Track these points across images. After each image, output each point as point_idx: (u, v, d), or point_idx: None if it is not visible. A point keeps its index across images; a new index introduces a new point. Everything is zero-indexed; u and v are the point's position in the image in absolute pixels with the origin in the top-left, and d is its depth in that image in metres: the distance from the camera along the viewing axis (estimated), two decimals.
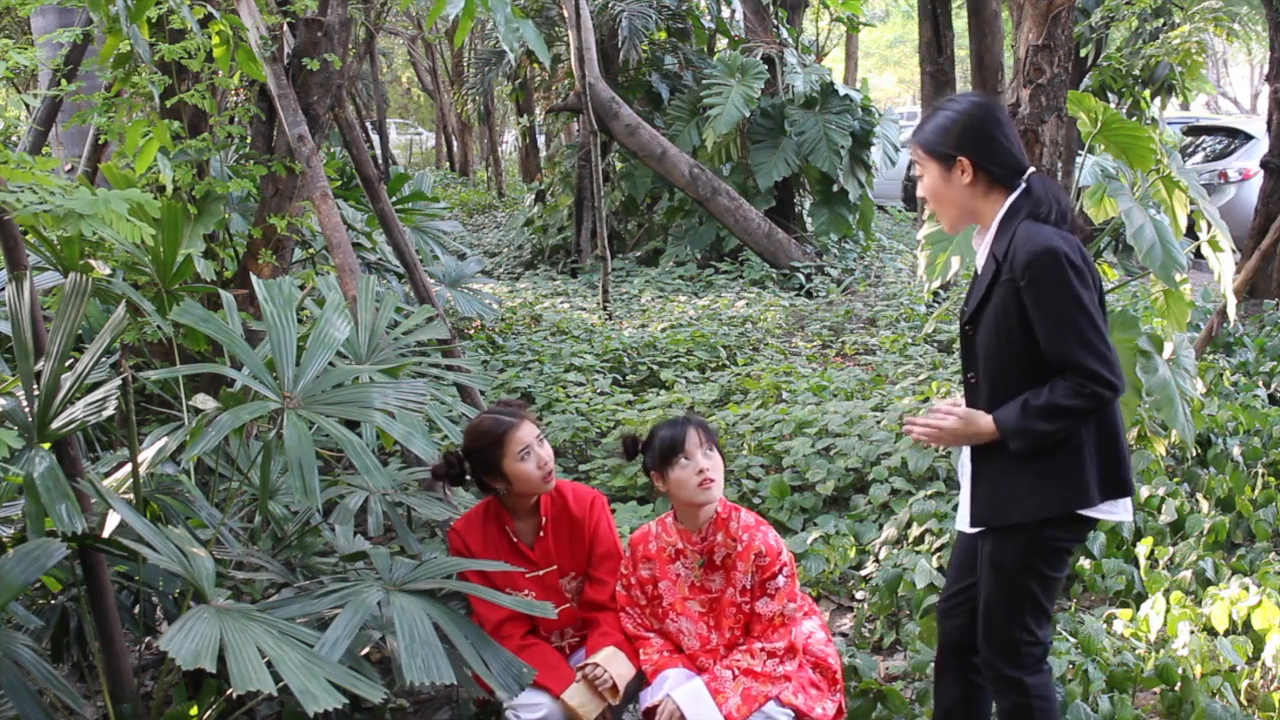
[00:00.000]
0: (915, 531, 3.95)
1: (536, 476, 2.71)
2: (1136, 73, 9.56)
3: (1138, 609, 3.44)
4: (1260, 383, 5.70)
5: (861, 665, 3.08)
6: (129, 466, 2.53)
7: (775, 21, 11.01)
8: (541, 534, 2.81)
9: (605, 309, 8.43)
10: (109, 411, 2.31)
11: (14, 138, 4.98)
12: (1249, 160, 10.15)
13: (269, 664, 1.98)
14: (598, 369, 6.58)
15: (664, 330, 7.61)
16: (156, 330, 3.25)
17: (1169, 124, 11.76)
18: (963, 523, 2.48)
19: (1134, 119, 7.71)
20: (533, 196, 12.80)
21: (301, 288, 3.91)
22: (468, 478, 2.83)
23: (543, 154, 17.46)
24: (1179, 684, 2.98)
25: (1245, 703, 2.99)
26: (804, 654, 2.69)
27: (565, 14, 9.81)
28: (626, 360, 6.85)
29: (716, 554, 2.71)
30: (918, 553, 3.76)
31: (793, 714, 2.58)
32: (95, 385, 2.39)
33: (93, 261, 3.36)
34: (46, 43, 4.01)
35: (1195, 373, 4.25)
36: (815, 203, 10.77)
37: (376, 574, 2.55)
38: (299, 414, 2.42)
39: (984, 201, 2.37)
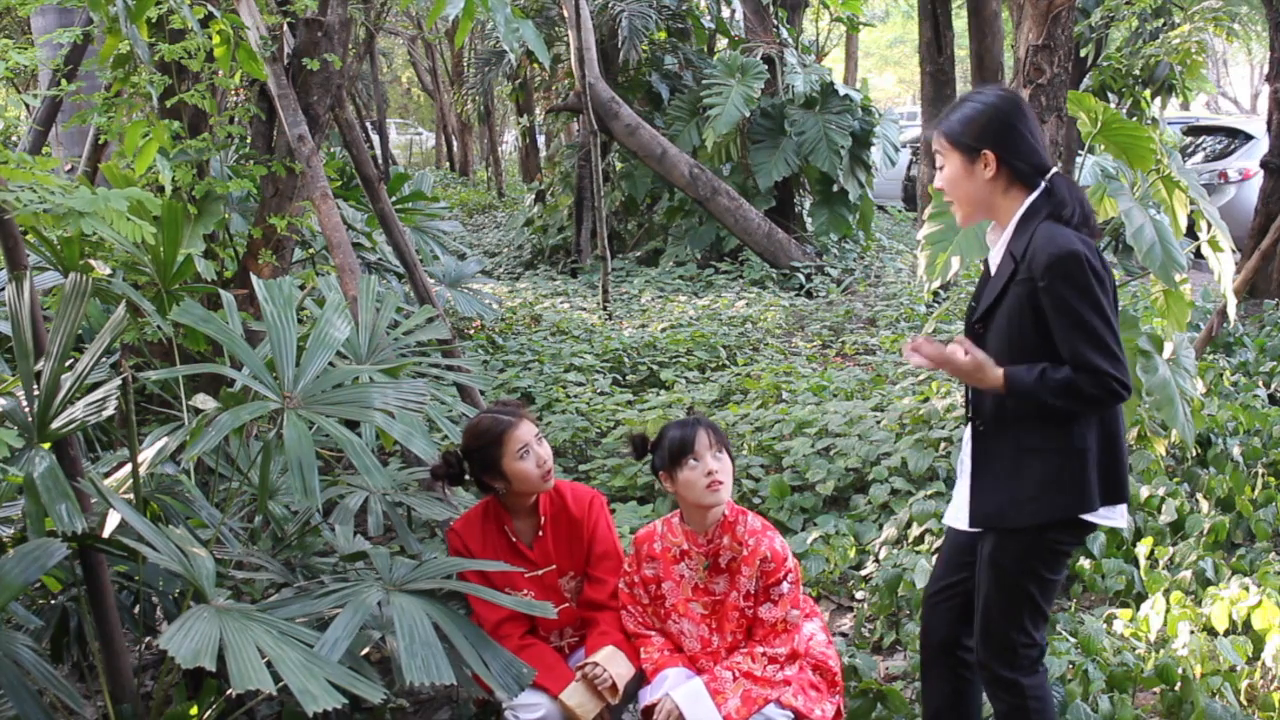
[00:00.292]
0: (915, 531, 3.95)
1: (535, 475, 2.71)
2: (1136, 73, 9.56)
3: (1138, 609, 3.44)
4: (1260, 383, 5.70)
5: (861, 665, 3.08)
6: (129, 466, 2.53)
7: (775, 21, 11.01)
8: (540, 534, 2.81)
9: (605, 309, 8.43)
10: (109, 411, 2.31)
11: (14, 138, 4.98)
12: (1249, 160, 10.15)
13: (269, 664, 1.98)
14: (598, 369, 6.58)
15: (664, 330, 7.61)
16: (156, 330, 3.25)
17: (1169, 124, 11.76)
18: (956, 519, 2.47)
19: (1134, 119, 7.71)
20: (533, 196, 12.81)
21: (301, 288, 3.91)
22: (467, 477, 2.83)
23: (543, 154, 17.46)
24: (1179, 684, 2.98)
25: (1245, 703, 2.99)
26: (804, 656, 2.69)
27: (565, 14, 9.82)
28: (626, 360, 6.85)
29: (722, 557, 2.70)
30: (918, 553, 3.76)
31: (792, 716, 2.57)
32: (95, 385, 2.39)
33: (93, 261, 3.36)
34: (46, 43, 4.01)
35: (1195, 373, 4.25)
36: (815, 203, 10.78)
37: (376, 574, 2.55)
38: (299, 414, 2.42)
39: (1003, 197, 2.35)
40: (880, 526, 4.17)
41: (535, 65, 13.63)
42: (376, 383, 2.74)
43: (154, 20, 3.74)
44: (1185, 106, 17.44)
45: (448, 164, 23.30)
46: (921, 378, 5.89)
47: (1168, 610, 3.29)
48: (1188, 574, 3.59)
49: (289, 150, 3.93)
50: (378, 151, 9.03)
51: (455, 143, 22.87)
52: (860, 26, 13.70)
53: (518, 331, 7.69)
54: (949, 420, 4.74)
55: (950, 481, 4.36)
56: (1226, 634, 3.21)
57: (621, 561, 2.84)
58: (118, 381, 2.37)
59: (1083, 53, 9.88)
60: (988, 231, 2.46)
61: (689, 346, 7.04)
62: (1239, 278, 5.70)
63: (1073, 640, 3.21)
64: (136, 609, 2.81)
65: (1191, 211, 3.85)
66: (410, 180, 6.41)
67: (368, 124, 10.66)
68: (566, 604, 2.81)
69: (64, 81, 4.13)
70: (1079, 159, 7.13)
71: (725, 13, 12.48)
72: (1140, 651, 3.20)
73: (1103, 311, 2.21)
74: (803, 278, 9.76)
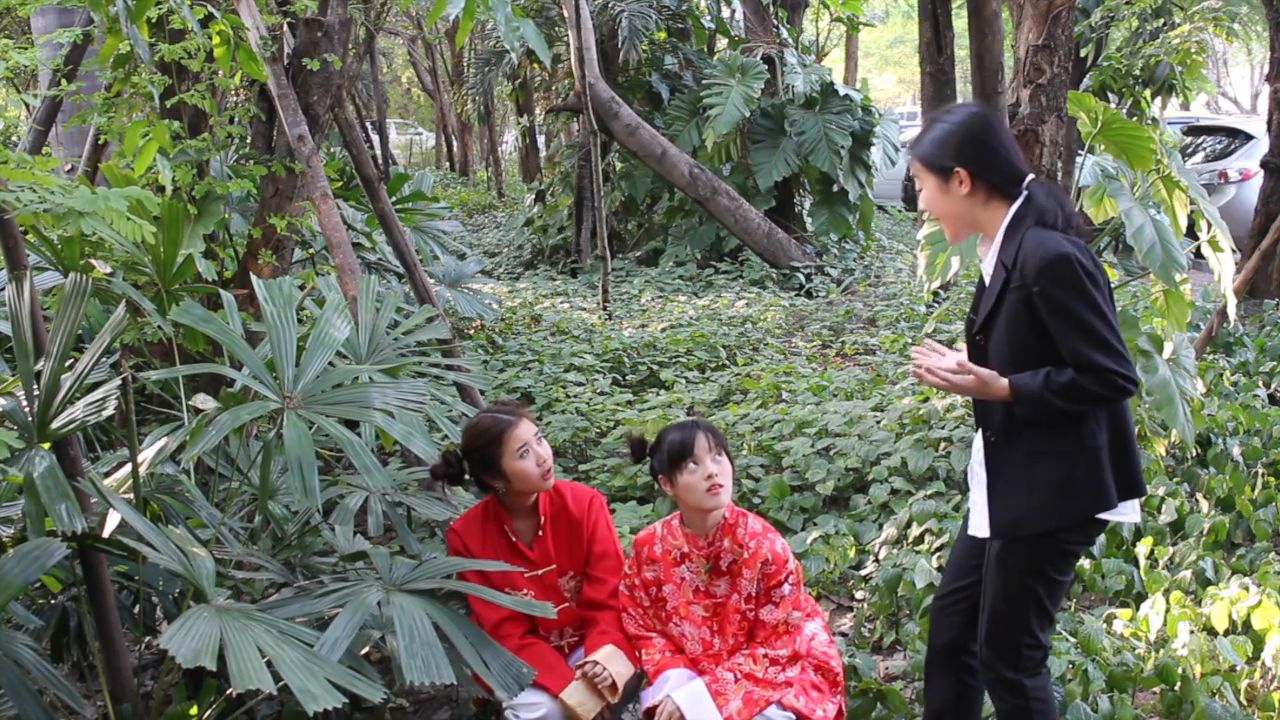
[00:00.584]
0: (915, 531, 3.95)
1: (535, 474, 2.71)
2: (1136, 73, 9.55)
3: (1138, 609, 3.44)
4: (1260, 383, 5.70)
5: (861, 665, 3.08)
6: (129, 466, 2.53)
7: (775, 21, 11.01)
8: (540, 533, 2.81)
9: (605, 309, 8.43)
10: (109, 411, 2.31)
11: (14, 138, 4.98)
12: (1249, 160, 10.15)
13: (269, 663, 1.98)
14: (598, 369, 6.58)
15: (664, 330, 7.61)
16: (156, 330, 3.25)
17: (1169, 124, 11.75)
18: (977, 528, 2.46)
19: (1134, 119, 7.71)
20: (533, 196, 12.81)
21: (301, 288, 3.91)
22: (467, 477, 2.83)
23: (543, 154, 17.46)
24: (1179, 684, 2.98)
25: (1245, 703, 2.99)
26: (806, 657, 2.69)
27: (565, 14, 9.82)
28: (626, 360, 6.85)
29: (723, 559, 2.70)
30: (917, 553, 3.76)
31: (794, 718, 2.57)
32: (95, 385, 2.39)
33: (93, 261, 3.36)
34: (46, 43, 4.01)
35: (1195, 373, 4.25)
36: (815, 203, 10.78)
37: (376, 574, 2.55)
38: (299, 414, 2.42)
39: (984, 211, 2.38)
40: (880, 526, 4.17)
41: (535, 65, 13.63)
42: (376, 383, 2.74)
43: (154, 20, 3.74)
44: (1185, 106, 17.45)
45: (448, 164, 23.29)
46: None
47: (1168, 610, 3.29)
48: (1188, 574, 3.59)
49: (289, 150, 3.93)
50: (378, 151, 9.02)
51: (455, 143, 22.86)
52: (860, 26, 13.70)
53: (518, 331, 7.69)
54: (949, 420, 4.74)
55: (950, 481, 4.36)
56: (1226, 634, 3.21)
57: (621, 561, 2.85)
58: (118, 381, 2.37)
59: (1083, 53, 9.87)
60: (978, 243, 2.47)
61: (689, 346, 7.04)
62: (1239, 278, 5.70)
63: (1073, 640, 3.22)
64: (136, 609, 2.81)
65: (1191, 211, 3.85)
66: (410, 180, 6.41)
67: (368, 124, 10.65)
68: (566, 603, 2.82)
69: (64, 81, 4.13)
70: (1079, 159, 7.13)
71: (725, 13, 12.48)
72: (1140, 651, 3.20)
73: (1099, 309, 2.22)
74: (803, 278, 9.76)
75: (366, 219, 5.50)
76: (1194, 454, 4.60)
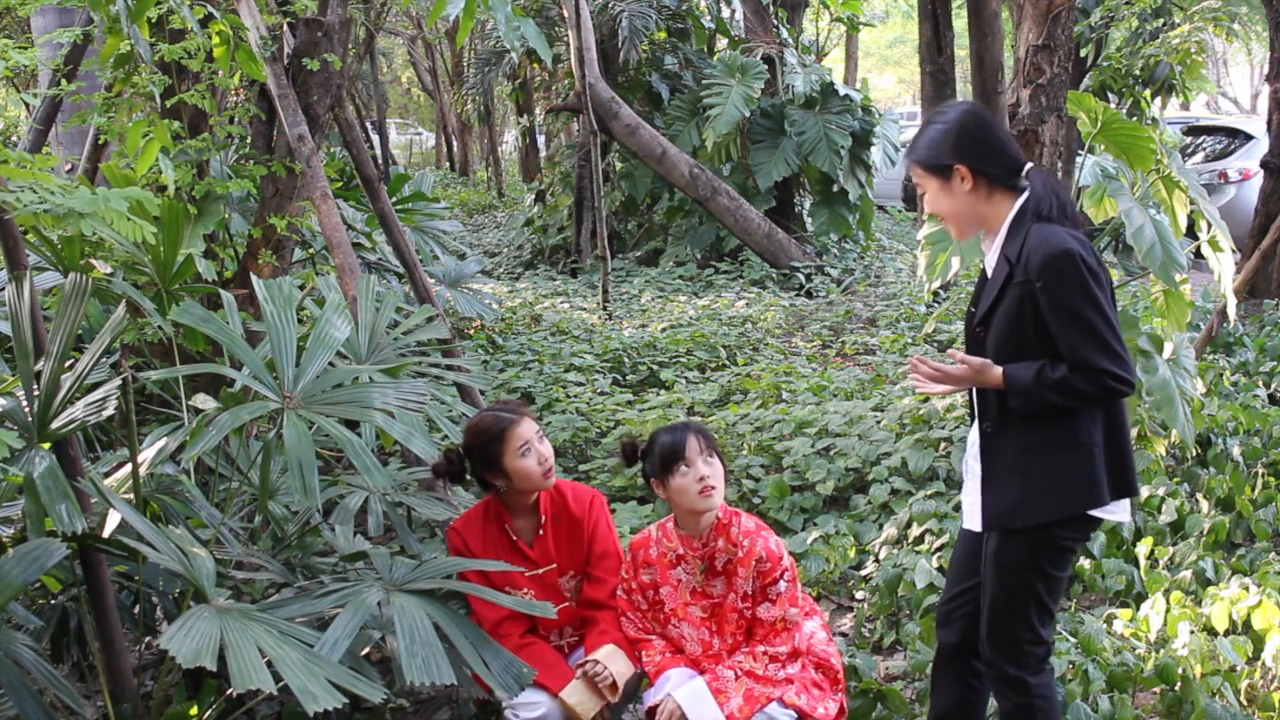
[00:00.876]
0: (915, 531, 3.95)
1: (537, 473, 2.72)
2: (1136, 73, 9.55)
3: (1138, 609, 3.44)
4: (1260, 383, 5.69)
5: (861, 665, 3.08)
6: (129, 466, 2.53)
7: (775, 21, 11.01)
8: (541, 532, 2.81)
9: (605, 309, 8.43)
10: (109, 411, 2.31)
11: (14, 137, 4.98)
12: (1249, 160, 10.15)
13: (269, 663, 1.98)
14: (598, 369, 6.58)
15: (664, 330, 7.61)
16: (156, 330, 3.25)
17: (1169, 124, 11.75)
18: (971, 522, 2.48)
19: (1134, 119, 7.71)
20: (533, 196, 12.80)
21: (301, 288, 3.91)
22: (468, 476, 2.84)
23: (543, 154, 17.46)
24: (1179, 684, 2.98)
25: (1245, 703, 2.99)
26: (806, 655, 2.69)
27: (565, 14, 9.82)
28: (626, 360, 6.85)
29: (718, 560, 2.70)
30: (918, 553, 3.76)
31: (795, 715, 2.58)
32: (95, 385, 2.39)
33: (93, 261, 3.36)
34: (46, 43, 4.01)
35: (1195, 373, 4.25)
36: (815, 203, 10.78)
37: (376, 574, 2.55)
38: (299, 414, 2.42)
39: (987, 205, 2.38)
40: (880, 526, 4.17)
41: (535, 65, 13.63)
42: (376, 383, 2.74)
43: (154, 20, 3.74)
44: (1185, 106, 17.45)
45: (448, 164, 23.29)
46: None
47: (1168, 610, 3.29)
48: (1188, 574, 3.59)
49: (289, 150, 3.93)
50: (378, 151, 9.03)
51: (455, 143, 22.86)
52: (860, 26, 13.70)
53: (518, 331, 7.69)
54: (949, 420, 4.74)
55: (950, 481, 4.36)
56: (1226, 634, 3.21)
57: (621, 561, 2.85)
58: (118, 381, 2.37)
59: (1083, 53, 9.87)
60: (982, 238, 2.47)
61: (689, 346, 7.04)
62: (1239, 278, 5.70)
63: (1073, 640, 3.22)
64: (136, 609, 2.81)
65: (1191, 211, 3.85)
66: (410, 180, 6.41)
67: (368, 124, 10.65)
68: (566, 603, 2.82)
69: (64, 81, 4.13)
70: (1079, 159, 7.13)
71: (725, 13, 12.48)
72: (1140, 651, 3.20)
73: (1100, 308, 2.23)
74: (803, 278, 9.76)
75: (366, 219, 5.50)
76: (1194, 454, 4.60)
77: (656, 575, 2.75)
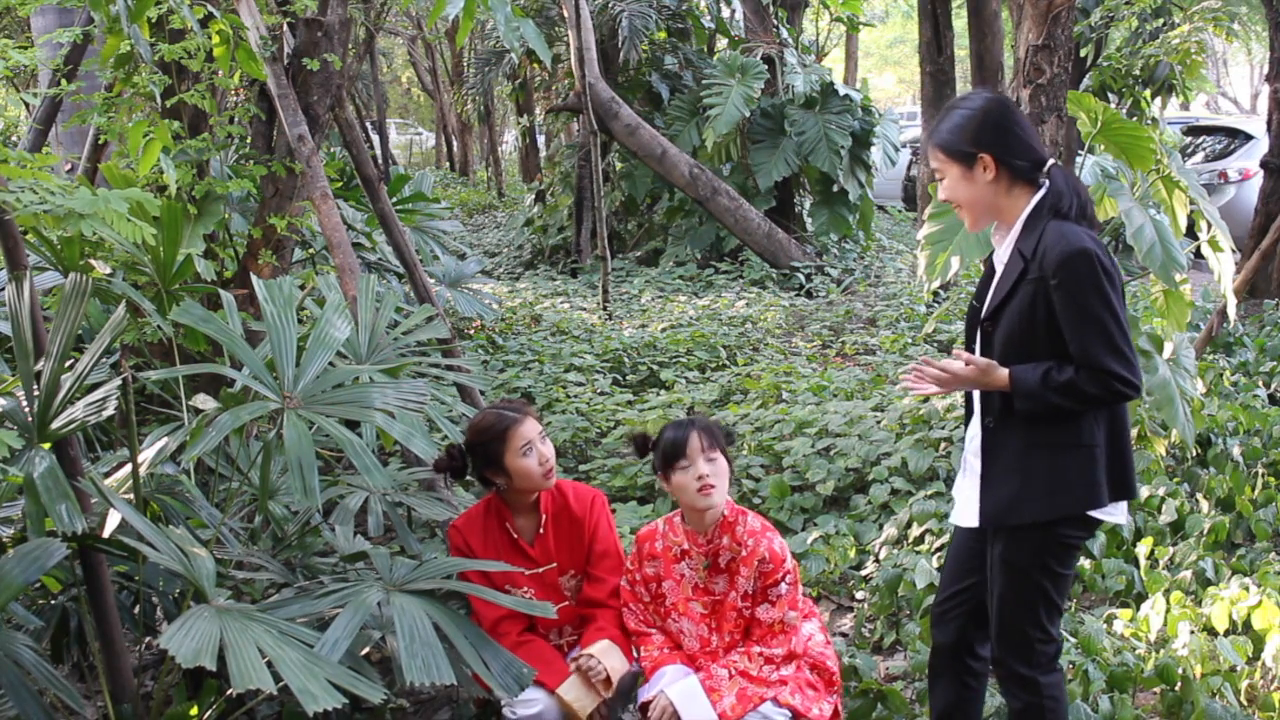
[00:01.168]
0: (915, 531, 3.95)
1: (538, 473, 2.72)
2: (1136, 73, 9.55)
3: (1138, 609, 3.44)
4: (1260, 383, 5.69)
5: (861, 665, 3.08)
6: (129, 466, 2.53)
7: (775, 21, 11.01)
8: (541, 531, 2.82)
9: (605, 309, 8.43)
10: (109, 411, 2.31)
11: (14, 137, 4.98)
12: (1249, 160, 10.15)
13: (269, 664, 1.98)
14: (598, 369, 6.58)
15: (664, 330, 7.61)
16: (156, 330, 3.25)
17: (1169, 124, 11.75)
18: (964, 518, 2.47)
19: (1134, 119, 7.71)
20: (533, 196, 12.81)
21: (301, 288, 3.91)
22: (469, 475, 2.84)
23: (543, 154, 17.46)
24: (1179, 684, 2.98)
25: (1245, 703, 2.99)
26: (802, 657, 2.69)
27: (565, 14, 9.82)
28: (626, 360, 6.85)
29: (721, 557, 2.71)
30: (918, 553, 3.76)
31: (790, 715, 2.58)
32: (95, 385, 2.38)
33: (93, 261, 3.36)
34: (46, 43, 4.01)
35: (1195, 373, 4.25)
36: (815, 203, 10.78)
37: (376, 574, 2.55)
38: (299, 414, 2.42)
39: (1006, 197, 2.36)
40: (880, 526, 4.17)
41: (535, 65, 13.63)
42: (376, 383, 2.74)
43: (154, 20, 3.74)
44: (1185, 106, 17.44)
45: (448, 164, 23.30)
46: None
47: (1168, 610, 3.29)
48: (1188, 574, 3.59)
49: (289, 150, 3.93)
50: (378, 151, 9.03)
51: (455, 143, 22.87)
52: (860, 26, 13.70)
53: (518, 331, 7.69)
54: (949, 420, 4.74)
55: (951, 481, 4.35)
56: (1226, 634, 3.21)
57: (621, 561, 2.85)
58: (118, 381, 2.37)
59: (1083, 53, 9.87)
60: (993, 231, 2.46)
61: (689, 346, 7.04)
62: (1239, 278, 5.70)
63: (1073, 640, 3.21)
64: (136, 609, 2.81)
65: (1191, 211, 3.85)
66: (410, 180, 6.41)
67: (368, 124, 10.66)
68: (566, 602, 2.82)
69: (64, 81, 4.13)
70: (1079, 159, 7.12)
71: (725, 13, 12.48)
72: (1140, 651, 3.20)
73: (1113, 309, 2.22)
74: (803, 278, 9.76)
75: (366, 219, 5.49)
76: (1194, 454, 4.60)
77: (660, 569, 2.76)
